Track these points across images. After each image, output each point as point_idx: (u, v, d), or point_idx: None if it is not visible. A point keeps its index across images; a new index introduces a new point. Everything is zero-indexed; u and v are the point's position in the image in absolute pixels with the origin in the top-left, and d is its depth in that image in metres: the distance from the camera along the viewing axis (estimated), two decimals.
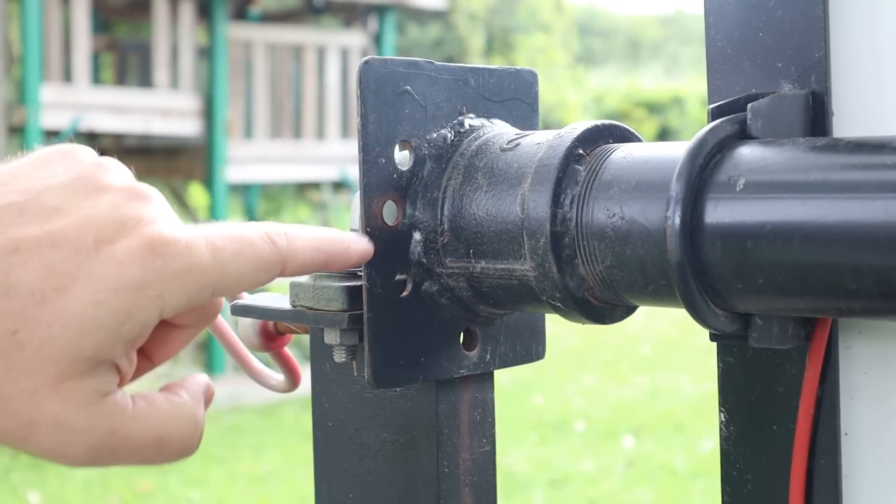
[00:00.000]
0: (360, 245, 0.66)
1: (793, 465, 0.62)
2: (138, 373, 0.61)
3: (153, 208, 0.58)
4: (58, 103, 6.90)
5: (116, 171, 0.59)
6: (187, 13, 7.60)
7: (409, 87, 0.70)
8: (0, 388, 0.52)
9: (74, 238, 0.54)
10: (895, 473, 0.61)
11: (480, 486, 0.75)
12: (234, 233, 0.59)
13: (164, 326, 0.61)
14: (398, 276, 0.70)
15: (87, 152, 0.60)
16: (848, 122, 0.61)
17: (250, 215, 8.89)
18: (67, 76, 7.25)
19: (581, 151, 0.66)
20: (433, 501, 0.73)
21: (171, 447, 0.59)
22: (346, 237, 0.65)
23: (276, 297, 0.78)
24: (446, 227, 0.70)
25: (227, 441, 6.07)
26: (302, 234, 0.62)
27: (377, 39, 8.76)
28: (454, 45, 17.93)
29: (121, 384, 0.57)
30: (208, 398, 0.63)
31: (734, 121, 0.60)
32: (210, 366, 7.11)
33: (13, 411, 0.53)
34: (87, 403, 0.54)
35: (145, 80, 8.47)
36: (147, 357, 0.63)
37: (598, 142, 0.66)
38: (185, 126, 7.50)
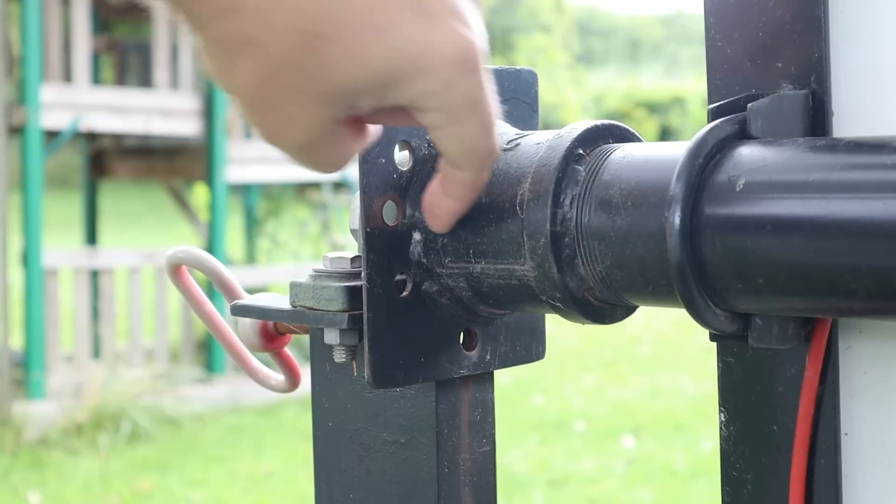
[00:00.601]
0: None
1: (793, 465, 0.62)
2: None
3: (474, 9, 0.61)
4: (58, 103, 6.90)
5: None
6: None
7: None
8: (284, 78, 0.58)
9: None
10: (895, 473, 0.61)
11: (480, 486, 0.75)
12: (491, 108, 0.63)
13: None
14: (398, 276, 0.70)
15: None
16: (848, 122, 0.61)
17: (250, 215, 8.89)
18: (67, 76, 7.24)
19: (581, 151, 0.66)
20: (433, 501, 0.73)
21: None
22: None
23: (276, 297, 0.78)
24: None
25: (227, 441, 6.07)
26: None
27: None
28: None
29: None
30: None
31: (734, 121, 0.60)
32: (210, 366, 7.11)
33: (276, 101, 0.60)
34: (323, 121, 0.61)
35: (145, 80, 8.46)
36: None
37: (598, 142, 0.66)
38: (185, 126, 7.50)
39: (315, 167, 0.64)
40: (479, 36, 0.60)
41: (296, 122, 0.60)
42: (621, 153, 0.64)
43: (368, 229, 0.68)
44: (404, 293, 0.70)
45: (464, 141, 0.63)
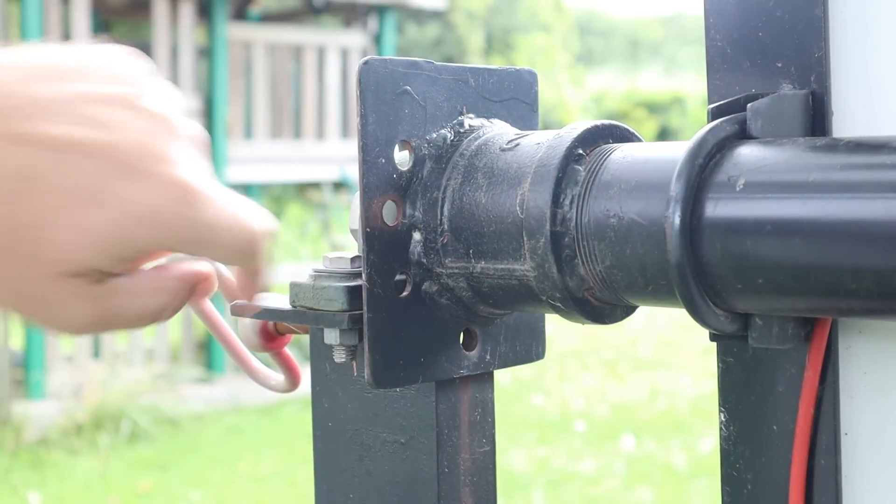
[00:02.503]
0: None
1: (793, 465, 0.62)
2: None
3: (180, 148, 0.61)
4: None
5: (157, 93, 0.62)
6: (187, 13, 7.60)
7: (408, 87, 0.70)
8: (8, 270, 0.58)
9: (108, 157, 0.58)
10: (895, 473, 0.61)
11: (480, 486, 0.75)
12: (242, 217, 0.63)
13: None
14: (398, 277, 0.70)
15: (129, 66, 0.63)
16: (848, 122, 0.61)
17: None
18: None
19: (581, 151, 0.66)
20: (433, 501, 0.73)
21: (149, 318, 0.65)
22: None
23: (276, 297, 0.78)
24: (446, 227, 0.70)
25: (227, 441, 6.07)
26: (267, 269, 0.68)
27: (377, 39, 8.75)
28: (453, 45, 17.91)
29: (114, 275, 0.62)
30: (195, 282, 0.67)
31: (734, 121, 0.60)
32: (210, 366, 7.11)
33: (18, 290, 0.59)
34: (82, 294, 0.60)
35: None
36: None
37: (598, 142, 0.66)
38: None
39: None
40: (186, 167, 0.61)
41: (53, 308, 0.60)
42: (621, 153, 0.64)
43: (368, 229, 0.68)
44: (404, 293, 0.70)
45: (225, 252, 0.64)
